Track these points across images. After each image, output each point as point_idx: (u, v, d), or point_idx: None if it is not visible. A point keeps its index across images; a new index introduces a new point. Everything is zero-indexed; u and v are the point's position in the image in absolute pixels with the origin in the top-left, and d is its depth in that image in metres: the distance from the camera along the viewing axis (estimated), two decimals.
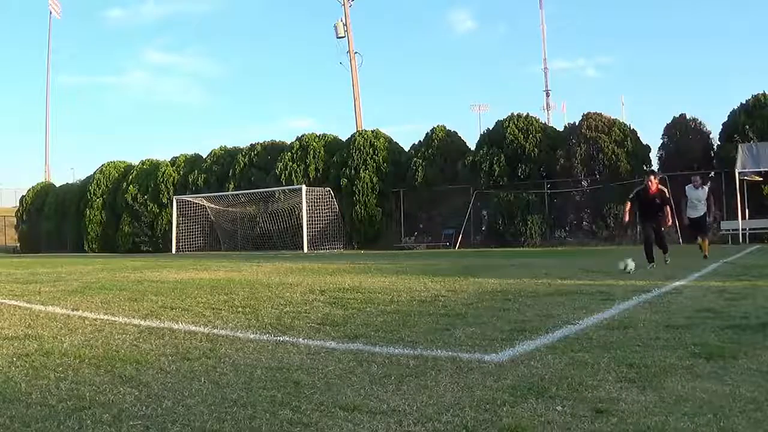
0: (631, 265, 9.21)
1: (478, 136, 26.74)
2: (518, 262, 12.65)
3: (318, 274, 10.46)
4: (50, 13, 50.56)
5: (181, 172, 30.80)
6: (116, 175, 32.98)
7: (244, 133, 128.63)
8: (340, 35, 34.40)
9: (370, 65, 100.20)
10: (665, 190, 10.86)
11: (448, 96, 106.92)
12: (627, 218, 11.84)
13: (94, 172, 33.73)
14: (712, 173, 22.20)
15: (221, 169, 29.71)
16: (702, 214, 12.73)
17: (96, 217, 32.25)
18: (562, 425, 2.47)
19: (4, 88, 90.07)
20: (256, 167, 28.87)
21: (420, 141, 26.32)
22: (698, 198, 12.71)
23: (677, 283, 7.49)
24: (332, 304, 6.23)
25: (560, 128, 26.01)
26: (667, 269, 9.66)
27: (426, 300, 6.44)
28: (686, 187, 13.14)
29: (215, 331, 4.81)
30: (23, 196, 37.50)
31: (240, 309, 6.02)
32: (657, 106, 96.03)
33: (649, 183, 10.62)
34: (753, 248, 16.55)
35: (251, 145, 30.01)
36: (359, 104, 33.93)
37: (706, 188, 13.01)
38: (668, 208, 10.69)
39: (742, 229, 19.80)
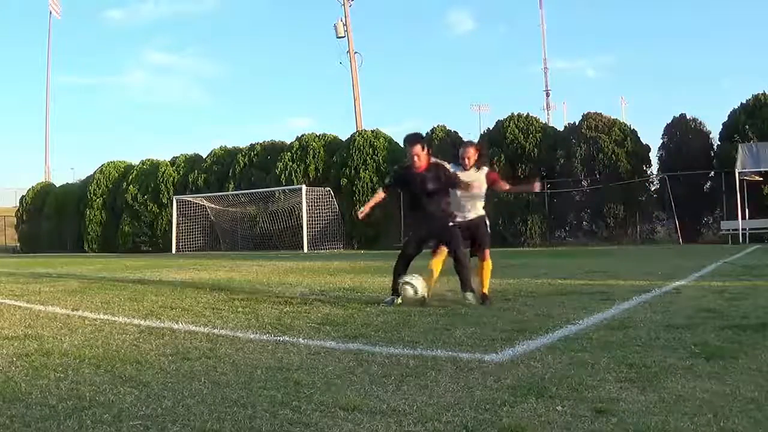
0: (411, 291, 5.75)
1: (478, 136, 26.78)
2: (518, 262, 12.65)
3: (318, 274, 10.45)
4: (50, 13, 50.60)
5: (181, 172, 30.80)
6: (116, 175, 32.98)
7: (244, 133, 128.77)
8: (340, 35, 34.46)
9: (370, 65, 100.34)
10: (446, 166, 6.31)
11: (448, 96, 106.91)
12: (364, 212, 6.40)
13: (94, 172, 33.73)
14: (712, 173, 22.23)
15: (221, 169, 29.71)
16: (477, 216, 6.49)
17: (96, 217, 32.25)
18: (562, 425, 2.47)
19: (4, 88, 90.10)
20: (256, 167, 28.87)
21: None
22: (468, 185, 6.25)
23: (677, 283, 7.48)
24: (332, 304, 6.23)
25: (560, 128, 26.05)
26: (665, 269, 9.60)
27: (426, 300, 6.42)
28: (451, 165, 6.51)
29: (215, 331, 4.81)
30: (23, 196, 37.49)
31: (240, 309, 6.01)
32: (657, 106, 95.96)
33: (415, 157, 6.06)
34: (753, 248, 16.55)
35: (251, 145, 30.02)
36: (359, 104, 34.00)
37: (485, 169, 6.54)
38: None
39: (742, 229, 19.80)
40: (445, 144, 25.45)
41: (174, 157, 32.03)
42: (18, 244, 36.91)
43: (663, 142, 23.21)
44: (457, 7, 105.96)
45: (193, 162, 31.25)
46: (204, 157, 31.25)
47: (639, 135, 23.28)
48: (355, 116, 33.87)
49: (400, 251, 6.32)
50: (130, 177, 31.79)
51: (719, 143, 22.26)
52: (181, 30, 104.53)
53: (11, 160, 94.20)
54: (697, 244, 20.32)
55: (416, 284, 5.80)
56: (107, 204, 32.35)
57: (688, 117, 22.99)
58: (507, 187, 7.04)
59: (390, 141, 27.10)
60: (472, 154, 6.50)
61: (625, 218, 22.22)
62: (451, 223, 6.21)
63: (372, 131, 27.37)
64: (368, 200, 6.66)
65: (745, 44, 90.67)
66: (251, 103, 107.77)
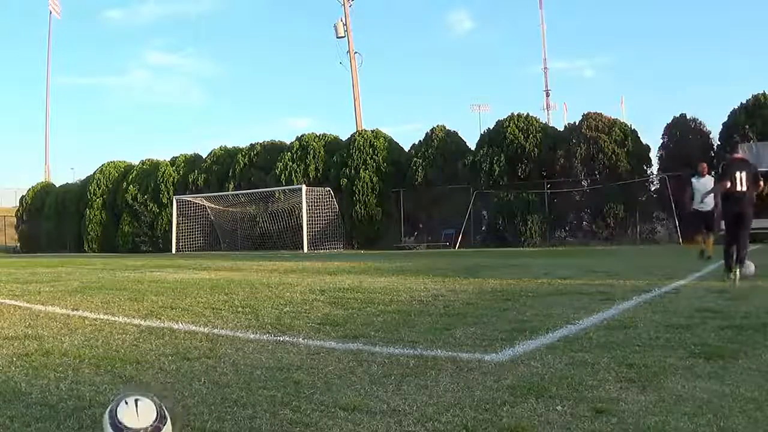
0: None
1: (478, 136, 26.78)
2: (518, 262, 12.65)
3: (318, 274, 10.45)
4: (50, 13, 50.51)
5: (181, 172, 30.80)
6: (116, 175, 32.98)
7: (244, 133, 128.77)
8: (340, 35, 34.41)
9: (369, 65, 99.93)
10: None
11: (448, 96, 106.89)
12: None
13: (94, 172, 33.73)
14: (713, 173, 22.21)
15: (221, 169, 29.70)
16: (710, 208, 11.19)
17: (96, 217, 32.25)
18: (562, 425, 2.47)
19: (4, 88, 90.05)
20: (256, 167, 28.86)
21: (420, 141, 26.33)
22: (706, 188, 11.28)
23: (677, 283, 7.49)
24: (332, 304, 6.23)
25: (560, 128, 26.04)
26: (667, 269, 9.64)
27: (426, 300, 6.44)
28: (692, 178, 12.24)
29: (215, 331, 4.81)
30: (23, 196, 37.49)
31: (240, 309, 6.02)
32: (657, 106, 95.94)
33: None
34: (753, 248, 16.52)
35: (251, 145, 30.01)
36: (359, 104, 33.95)
37: (712, 177, 11.65)
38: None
39: None
40: (445, 144, 25.52)
41: (174, 157, 32.02)
42: (18, 244, 36.90)
43: (663, 142, 23.19)
44: (457, 7, 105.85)
45: (193, 162, 31.24)
46: (204, 157, 31.25)
47: (639, 135, 23.30)
48: (355, 116, 33.85)
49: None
50: (130, 177, 31.78)
51: (719, 143, 22.24)
52: (181, 30, 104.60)
53: (11, 160, 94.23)
54: (697, 244, 20.28)
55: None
56: (107, 204, 32.35)
57: (688, 117, 22.98)
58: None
59: (390, 141, 27.11)
60: (705, 167, 12.13)
61: (625, 218, 22.21)
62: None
63: (372, 131, 27.37)
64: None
65: (745, 44, 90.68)
66: (251, 103, 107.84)
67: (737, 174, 7.81)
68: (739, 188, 7.80)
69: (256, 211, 28.08)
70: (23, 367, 3.60)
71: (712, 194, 10.19)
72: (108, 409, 2.20)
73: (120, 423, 2.11)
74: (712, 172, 11.89)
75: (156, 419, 2.18)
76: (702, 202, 11.19)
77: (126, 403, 2.18)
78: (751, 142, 20.49)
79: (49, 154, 53.31)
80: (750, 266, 8.07)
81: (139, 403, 2.20)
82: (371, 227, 25.81)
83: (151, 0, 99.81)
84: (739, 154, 8.67)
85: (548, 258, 14.52)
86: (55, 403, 2.87)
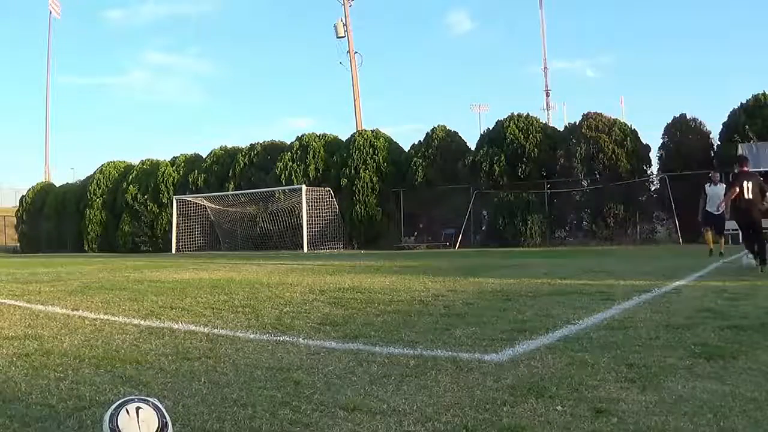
0: None
1: (478, 136, 26.76)
2: (518, 262, 12.66)
3: (318, 274, 10.45)
4: (50, 13, 50.45)
5: (181, 172, 30.79)
6: (116, 175, 32.96)
7: (244, 133, 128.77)
8: (340, 35, 34.43)
9: (369, 65, 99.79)
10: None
11: (448, 96, 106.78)
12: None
13: (94, 172, 33.71)
14: (712, 173, 22.20)
15: (221, 169, 29.70)
16: (722, 212, 12.47)
17: (96, 217, 32.24)
18: (562, 425, 2.47)
19: (4, 88, 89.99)
20: (256, 167, 28.86)
21: (420, 141, 26.32)
22: (718, 195, 12.33)
23: (677, 283, 7.49)
24: (332, 304, 6.23)
25: (560, 128, 26.03)
26: (667, 269, 9.64)
27: (426, 300, 6.44)
28: (705, 185, 13.43)
29: (215, 331, 4.81)
30: (23, 196, 37.47)
31: (240, 309, 6.02)
32: (657, 106, 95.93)
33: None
34: None
35: (251, 145, 30.01)
36: (359, 104, 33.98)
37: (724, 185, 12.79)
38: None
39: None
40: (445, 144, 25.51)
41: (174, 157, 32.00)
42: (18, 244, 36.90)
43: (663, 142, 23.16)
44: (457, 7, 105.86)
45: (193, 162, 31.23)
46: (204, 157, 31.23)
47: (639, 135, 23.29)
48: (355, 116, 33.89)
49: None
50: (130, 177, 31.77)
51: (719, 143, 22.24)
52: (181, 30, 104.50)
53: (11, 160, 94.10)
54: (697, 244, 20.30)
55: None
56: (107, 204, 32.32)
57: (688, 117, 22.95)
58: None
59: (390, 141, 27.10)
60: (717, 175, 13.57)
61: (625, 218, 22.20)
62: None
63: (372, 131, 27.36)
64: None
65: (745, 44, 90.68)
66: (251, 103, 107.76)
67: (744, 183, 9.18)
68: (746, 196, 9.16)
69: (256, 211, 28.08)
70: (23, 367, 3.60)
71: (724, 201, 11.60)
72: (108, 416, 2.14)
73: None
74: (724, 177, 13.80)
75: (158, 430, 2.11)
76: (716, 208, 12.49)
77: (127, 412, 2.09)
78: (751, 142, 20.49)
79: (49, 154, 53.36)
80: (751, 261, 9.26)
81: (140, 412, 2.11)
82: (371, 227, 25.80)
83: (151, 0, 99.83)
84: (747, 167, 9.73)
85: (548, 258, 14.52)
86: (55, 403, 2.87)
